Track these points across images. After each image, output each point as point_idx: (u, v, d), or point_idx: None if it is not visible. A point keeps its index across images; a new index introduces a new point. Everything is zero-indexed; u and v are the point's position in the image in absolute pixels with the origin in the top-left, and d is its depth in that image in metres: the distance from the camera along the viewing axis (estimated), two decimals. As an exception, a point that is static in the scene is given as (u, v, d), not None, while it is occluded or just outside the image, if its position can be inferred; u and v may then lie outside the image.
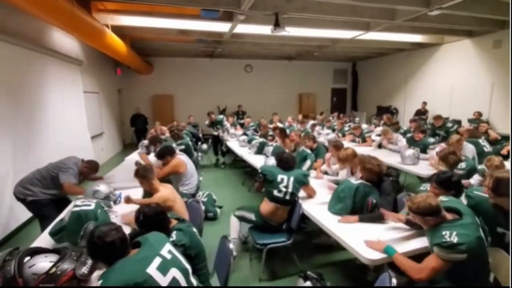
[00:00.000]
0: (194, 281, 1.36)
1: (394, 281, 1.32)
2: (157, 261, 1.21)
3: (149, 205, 1.74)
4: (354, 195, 2.30)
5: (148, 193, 2.54)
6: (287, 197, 2.57)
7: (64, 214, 2.16)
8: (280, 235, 2.58)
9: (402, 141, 4.81)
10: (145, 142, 5.36)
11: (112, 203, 2.53)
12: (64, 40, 5.42)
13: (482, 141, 4.11)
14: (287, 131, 5.02)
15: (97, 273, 1.47)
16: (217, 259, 1.97)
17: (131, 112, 9.48)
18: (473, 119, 6.84)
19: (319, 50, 9.18)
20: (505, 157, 3.87)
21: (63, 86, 5.19)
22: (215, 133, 7.17)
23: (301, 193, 2.73)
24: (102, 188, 2.51)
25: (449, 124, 6.22)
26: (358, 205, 2.29)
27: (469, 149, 3.71)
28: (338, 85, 12.82)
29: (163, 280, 1.18)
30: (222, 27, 6.26)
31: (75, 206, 2.04)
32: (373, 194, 2.31)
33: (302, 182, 2.66)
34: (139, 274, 1.14)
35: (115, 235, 1.22)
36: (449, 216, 1.60)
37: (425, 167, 3.73)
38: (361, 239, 1.91)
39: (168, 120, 8.56)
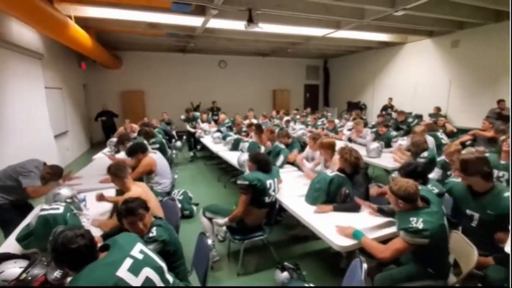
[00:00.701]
0: (171, 278, 1.34)
1: (365, 266, 1.42)
2: (128, 262, 1.18)
3: (127, 201, 1.72)
4: (329, 185, 2.42)
5: (121, 192, 2.47)
6: (273, 199, 2.58)
7: (31, 218, 2.04)
8: (257, 229, 2.63)
9: (370, 135, 5.10)
10: (114, 140, 5.14)
11: (82, 205, 2.41)
12: (22, 32, 5.01)
13: (440, 134, 4.48)
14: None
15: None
16: (195, 256, 1.98)
17: (99, 109, 9.01)
18: (433, 114, 7.39)
19: (293, 46, 9.32)
20: (464, 146, 4.27)
21: (23, 81, 4.81)
22: (192, 130, 7.12)
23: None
24: (63, 191, 2.35)
25: (411, 119, 6.70)
26: (332, 195, 2.42)
27: (429, 141, 4.03)
28: (310, 81, 13.14)
29: (136, 281, 1.16)
30: (194, 21, 6.14)
31: (42, 209, 1.92)
32: (346, 185, 2.44)
33: (278, 179, 2.72)
34: (108, 278, 1.11)
35: (80, 241, 1.17)
36: (419, 203, 1.73)
37: (389, 160, 4.00)
38: (334, 228, 2.01)
39: (139, 117, 8.27)
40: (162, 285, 1.25)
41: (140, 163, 3.24)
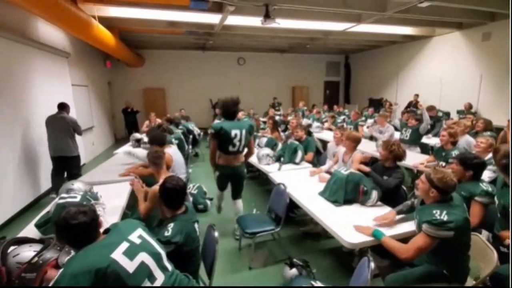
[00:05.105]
0: (169, 266, 1.34)
1: (372, 265, 1.36)
2: (123, 246, 1.19)
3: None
4: (346, 184, 2.38)
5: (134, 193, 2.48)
6: (240, 149, 2.82)
7: (50, 206, 2.15)
8: (269, 224, 2.62)
9: (390, 131, 4.92)
10: (136, 135, 5.32)
11: (99, 195, 2.50)
12: (49, 32, 5.29)
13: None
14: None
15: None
16: (204, 248, 2.00)
17: (122, 106, 9.36)
18: (461, 110, 6.95)
19: (311, 42, 9.15)
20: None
21: (50, 79, 5.09)
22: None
23: (288, 180, 2.78)
24: (77, 186, 2.38)
25: (440, 114, 6.37)
26: (350, 193, 2.38)
27: (464, 142, 3.58)
28: (331, 77, 12.85)
29: (130, 265, 1.15)
30: (212, 18, 6.18)
31: (61, 198, 2.03)
32: (363, 182, 2.38)
33: (250, 133, 2.87)
34: (102, 259, 1.11)
35: (81, 218, 1.17)
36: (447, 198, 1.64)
37: (412, 158, 3.64)
38: (345, 225, 1.96)
39: (160, 114, 8.49)
40: (158, 271, 1.25)
41: None
